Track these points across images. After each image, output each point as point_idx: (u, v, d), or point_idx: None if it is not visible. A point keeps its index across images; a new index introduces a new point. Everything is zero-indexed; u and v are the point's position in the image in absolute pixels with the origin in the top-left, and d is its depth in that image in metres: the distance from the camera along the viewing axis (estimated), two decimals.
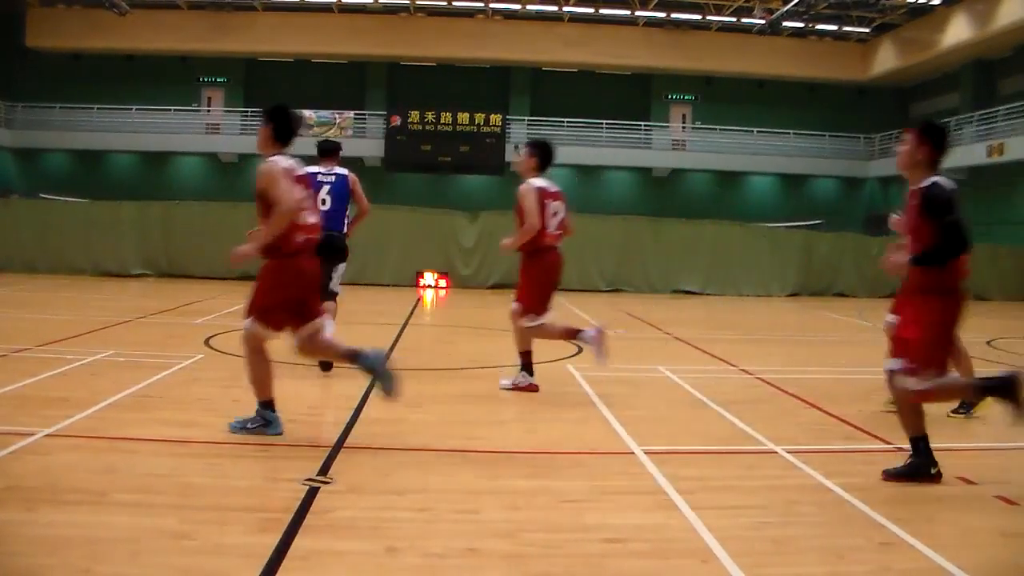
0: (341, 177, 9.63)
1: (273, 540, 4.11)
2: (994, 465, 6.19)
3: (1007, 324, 17.56)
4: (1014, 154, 34.99)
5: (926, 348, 5.47)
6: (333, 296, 9.58)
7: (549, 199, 8.13)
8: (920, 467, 5.57)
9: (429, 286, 21.63)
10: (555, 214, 8.14)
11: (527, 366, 8.44)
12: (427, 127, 41.09)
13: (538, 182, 8.13)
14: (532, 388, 8.32)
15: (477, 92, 43.84)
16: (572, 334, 8.33)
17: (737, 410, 7.52)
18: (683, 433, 6.83)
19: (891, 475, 5.57)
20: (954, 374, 6.10)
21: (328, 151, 9.86)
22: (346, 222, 9.67)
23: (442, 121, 41.20)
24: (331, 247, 9.04)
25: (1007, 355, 12.49)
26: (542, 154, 8.28)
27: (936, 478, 5.53)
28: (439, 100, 41.93)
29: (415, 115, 41.13)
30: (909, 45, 41.44)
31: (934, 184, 5.74)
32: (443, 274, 21.83)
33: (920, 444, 5.61)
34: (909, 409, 5.61)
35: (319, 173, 9.51)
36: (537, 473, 5.52)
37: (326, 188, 9.53)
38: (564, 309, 16.97)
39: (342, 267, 9.74)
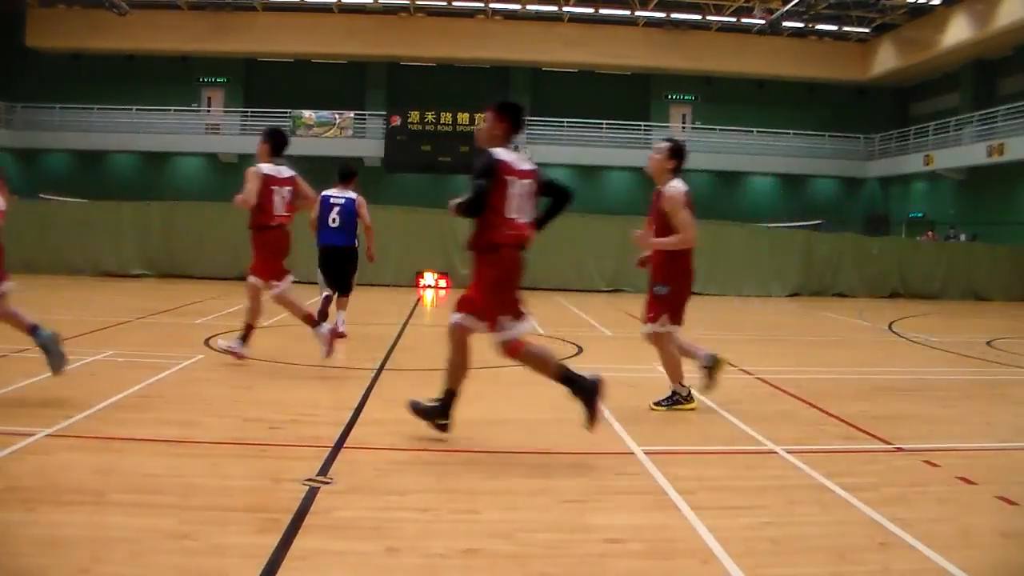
0: (350, 200, 11.77)
1: (273, 540, 4.11)
2: (994, 465, 6.18)
3: (1007, 324, 17.58)
4: (1014, 154, 34.96)
5: (481, 303, 6.24)
6: (346, 291, 11.95)
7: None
8: (435, 412, 6.26)
9: (429, 286, 21.62)
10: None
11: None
12: (427, 127, 41.09)
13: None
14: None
15: (477, 92, 43.75)
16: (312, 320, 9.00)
17: (737, 410, 7.53)
18: (683, 433, 6.84)
19: (416, 410, 6.29)
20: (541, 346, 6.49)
21: (345, 176, 12.08)
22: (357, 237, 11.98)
23: (442, 121, 41.21)
24: (343, 255, 11.80)
25: (1007, 355, 12.50)
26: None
27: (443, 428, 6.21)
28: (439, 100, 41.93)
29: (415, 115, 41.15)
30: (909, 45, 41.41)
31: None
32: (443, 274, 21.81)
33: (449, 397, 6.32)
34: (451, 363, 6.52)
35: (332, 196, 11.74)
36: (537, 473, 5.52)
37: (336, 208, 11.68)
38: (564, 309, 16.98)
39: (356, 275, 12.08)
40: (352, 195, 11.86)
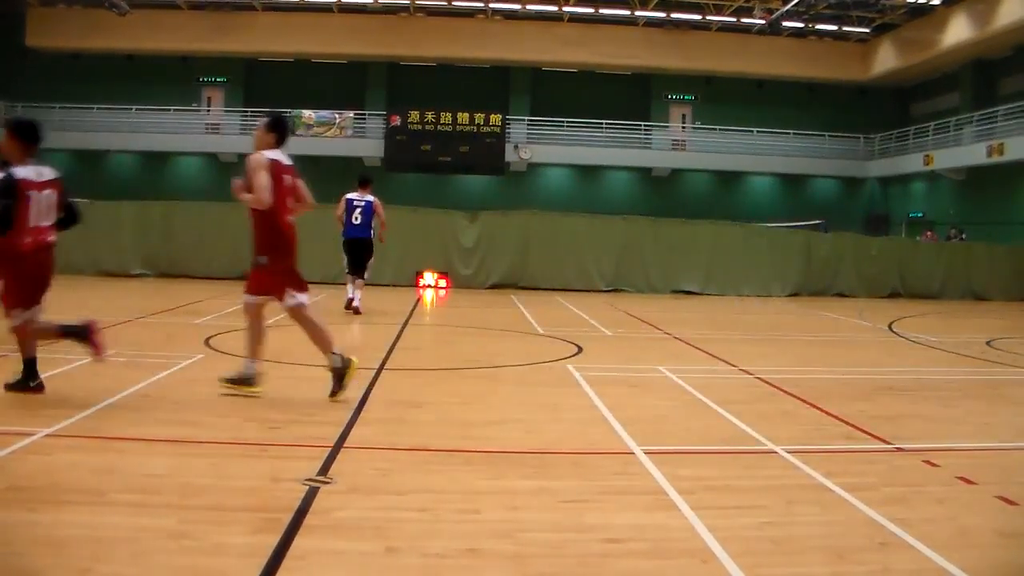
0: (369, 202, 15.20)
1: (273, 540, 4.12)
2: (994, 465, 6.18)
3: (1007, 324, 17.59)
4: (1014, 154, 34.94)
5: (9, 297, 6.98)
6: (362, 275, 15.18)
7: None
8: (23, 384, 7.04)
9: (429, 286, 21.62)
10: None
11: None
12: (427, 127, 41.09)
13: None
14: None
15: (477, 92, 43.82)
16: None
17: (737, 410, 7.53)
18: (683, 433, 6.84)
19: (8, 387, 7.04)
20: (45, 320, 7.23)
21: (363, 182, 15.61)
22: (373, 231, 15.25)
23: (442, 121, 41.21)
24: (363, 245, 15.18)
25: (1007, 355, 12.50)
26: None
27: (37, 389, 7.05)
28: (439, 100, 41.94)
29: (415, 115, 41.15)
30: (909, 45, 41.41)
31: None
32: (443, 274, 21.82)
33: (30, 363, 7.08)
34: (20, 341, 7.04)
35: (354, 199, 15.21)
36: (537, 473, 5.53)
37: (358, 209, 15.11)
38: (564, 309, 16.99)
39: (371, 261, 15.43)
40: (370, 198, 15.22)
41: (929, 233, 36.21)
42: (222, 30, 40.25)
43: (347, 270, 15.42)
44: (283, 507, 4.58)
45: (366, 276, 15.31)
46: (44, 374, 7.26)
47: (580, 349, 11.19)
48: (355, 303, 14.93)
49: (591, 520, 4.64)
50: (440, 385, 8.73)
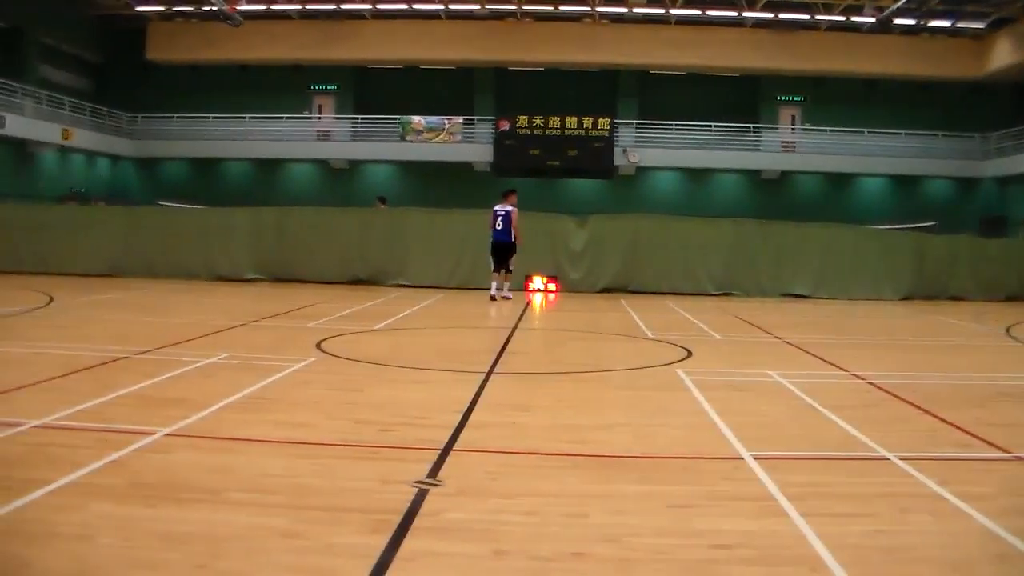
0: (508, 211, 18.93)
1: (383, 541, 4.17)
2: None
3: None
4: None
5: None
6: (508, 269, 18.98)
7: None
8: None
9: (538, 290, 21.67)
10: None
11: None
12: (535, 131, 41.28)
13: None
14: None
15: (585, 96, 43.87)
16: None
17: (848, 415, 7.38)
18: (793, 438, 6.73)
19: None
20: None
21: (507, 192, 19.62)
22: (512, 234, 18.80)
23: (550, 125, 41.37)
24: (505, 247, 18.88)
25: None
26: None
27: None
28: (547, 104, 42.12)
29: (523, 120, 41.37)
30: None
31: None
32: (552, 278, 21.84)
33: None
34: None
35: (498, 209, 19.02)
36: (645, 478, 5.50)
37: (500, 217, 18.87)
38: (674, 312, 16.88)
39: (514, 257, 19.01)
40: (509, 208, 18.97)
41: None
42: (332, 39, 41.04)
43: (492, 268, 19.13)
44: (393, 509, 4.63)
45: (511, 268, 19.14)
46: (162, 376, 7.47)
47: (689, 353, 11.11)
48: (503, 293, 18.88)
49: (699, 525, 4.60)
50: (549, 389, 8.75)
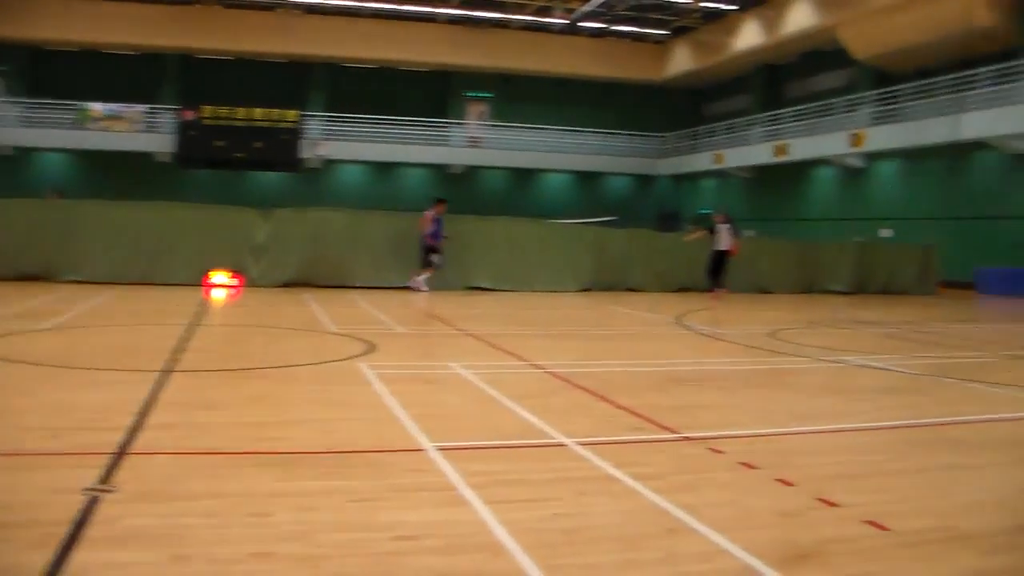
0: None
1: (47, 556, 3.91)
2: (773, 449, 6.51)
3: (789, 316, 18.50)
4: (797, 154, 36.97)
5: None
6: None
7: None
8: None
9: (220, 285, 21.05)
10: None
11: None
12: (221, 122, 40.27)
13: None
14: None
15: (275, 87, 43.22)
16: None
17: (528, 404, 7.64)
18: (475, 429, 6.89)
19: None
20: None
21: (435, 201, 21.83)
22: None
23: (237, 116, 40.43)
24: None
25: (788, 345, 13.14)
26: None
27: None
28: (236, 95, 41.11)
29: (209, 110, 40.27)
30: (703, 48, 43.27)
31: None
32: (235, 272, 21.25)
33: None
34: None
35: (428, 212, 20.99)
36: (329, 473, 5.47)
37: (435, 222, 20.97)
38: (358, 307, 16.88)
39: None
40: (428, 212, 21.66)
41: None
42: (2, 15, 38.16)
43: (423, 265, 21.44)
44: (61, 520, 4.35)
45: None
46: None
47: (374, 347, 11.14)
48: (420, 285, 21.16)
49: (383, 518, 4.62)
50: (231, 386, 8.53)
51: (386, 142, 42.32)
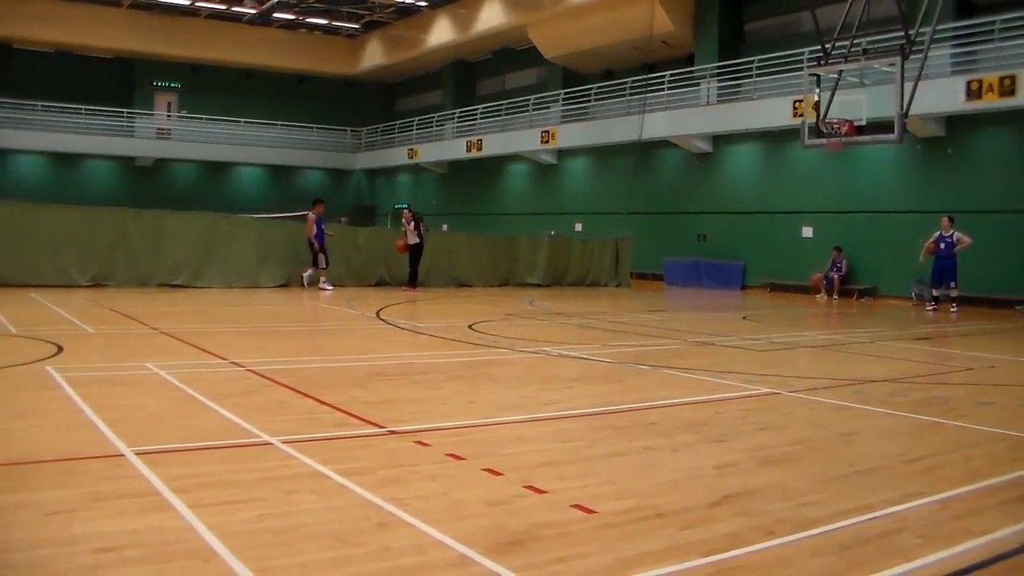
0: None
1: None
2: (479, 440, 6.62)
3: (486, 309, 18.89)
4: (491, 150, 37.95)
5: None
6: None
7: None
8: None
9: None
10: None
11: None
12: None
13: None
14: None
15: None
16: None
17: (230, 403, 7.44)
18: (175, 431, 6.60)
19: None
20: None
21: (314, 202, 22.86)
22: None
23: None
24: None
25: (486, 337, 13.43)
26: None
27: None
28: None
29: None
30: (396, 43, 43.65)
31: None
32: None
33: None
34: None
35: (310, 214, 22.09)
36: (15, 487, 5.06)
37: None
38: (40, 306, 15.88)
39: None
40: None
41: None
42: None
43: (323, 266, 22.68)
44: None
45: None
46: None
47: (60, 349, 10.49)
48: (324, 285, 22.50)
49: (81, 530, 4.33)
50: None
51: (66, 132, 39.99)
